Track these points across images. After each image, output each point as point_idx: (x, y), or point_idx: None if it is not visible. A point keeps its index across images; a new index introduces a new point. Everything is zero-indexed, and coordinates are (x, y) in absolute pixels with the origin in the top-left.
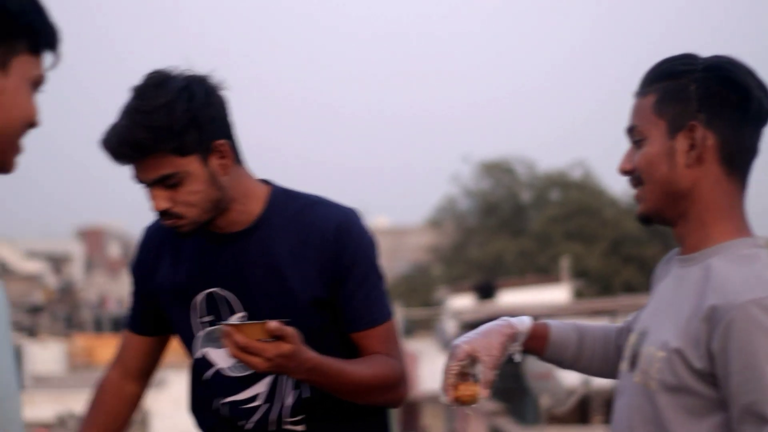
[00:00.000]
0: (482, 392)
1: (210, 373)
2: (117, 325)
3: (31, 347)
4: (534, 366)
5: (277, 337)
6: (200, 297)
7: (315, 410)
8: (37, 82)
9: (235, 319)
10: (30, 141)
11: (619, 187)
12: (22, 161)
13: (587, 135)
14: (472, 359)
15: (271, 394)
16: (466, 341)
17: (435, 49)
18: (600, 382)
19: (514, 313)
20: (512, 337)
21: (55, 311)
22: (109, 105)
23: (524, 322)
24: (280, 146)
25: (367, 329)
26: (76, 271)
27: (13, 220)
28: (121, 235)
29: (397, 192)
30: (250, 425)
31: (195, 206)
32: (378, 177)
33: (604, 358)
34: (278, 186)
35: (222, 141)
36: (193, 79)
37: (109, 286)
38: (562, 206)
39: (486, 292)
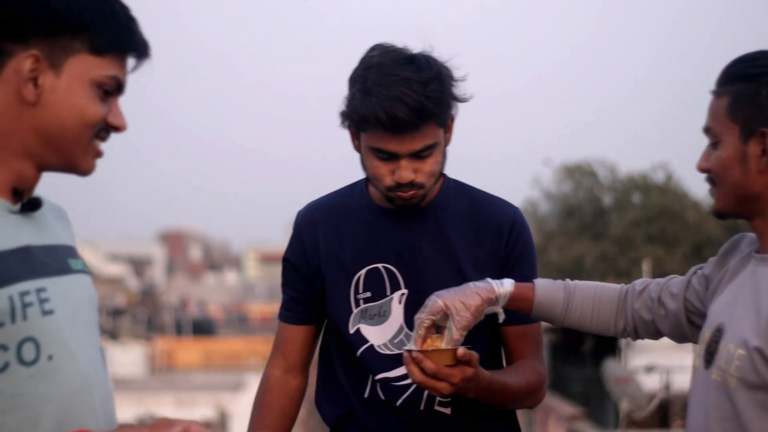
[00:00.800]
0: (445, 348)
1: (363, 348)
2: (197, 328)
3: (112, 350)
4: (614, 370)
5: (459, 360)
6: (363, 272)
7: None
8: (101, 84)
9: (396, 297)
10: (114, 146)
11: (702, 191)
12: (106, 165)
13: (669, 137)
14: (445, 315)
15: None
16: (443, 296)
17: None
18: (680, 387)
19: None
20: (490, 301)
21: (137, 314)
22: (181, 110)
23: (505, 285)
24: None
25: (525, 324)
26: (157, 273)
27: (96, 224)
28: (202, 238)
29: None
30: (400, 403)
31: (433, 176)
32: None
33: (595, 315)
34: (451, 177)
35: (452, 116)
36: (429, 55)
37: (190, 288)
38: (644, 209)
39: None
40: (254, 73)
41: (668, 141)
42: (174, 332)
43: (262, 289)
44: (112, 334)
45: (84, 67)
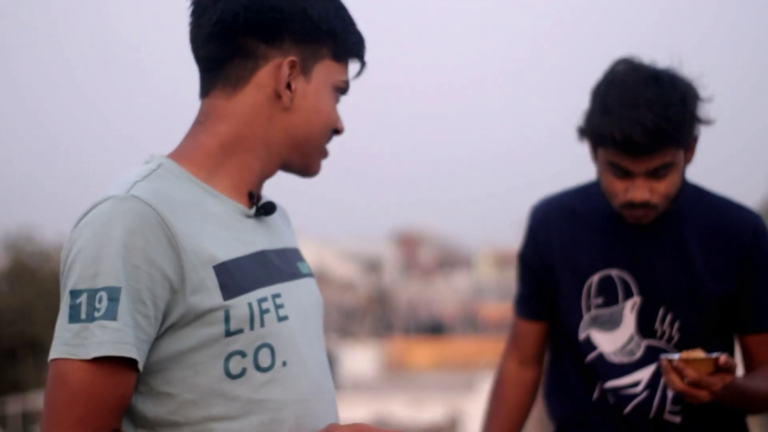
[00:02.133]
0: (707, 357)
1: (593, 356)
2: (430, 329)
3: (345, 350)
4: None
5: (719, 368)
6: (596, 277)
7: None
8: (340, 89)
9: (629, 305)
10: (348, 145)
11: None
12: (342, 165)
13: None
14: None
15: (654, 382)
16: None
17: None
18: None
19: None
20: None
21: (369, 314)
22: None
23: None
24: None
25: (765, 331)
26: (390, 274)
27: (331, 223)
28: (435, 238)
29: None
30: (629, 410)
31: (668, 198)
32: None
33: None
34: (689, 181)
35: (695, 137)
36: (675, 74)
37: (422, 290)
38: None
39: None
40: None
41: None
42: (406, 332)
43: (494, 290)
44: (345, 333)
45: (327, 72)
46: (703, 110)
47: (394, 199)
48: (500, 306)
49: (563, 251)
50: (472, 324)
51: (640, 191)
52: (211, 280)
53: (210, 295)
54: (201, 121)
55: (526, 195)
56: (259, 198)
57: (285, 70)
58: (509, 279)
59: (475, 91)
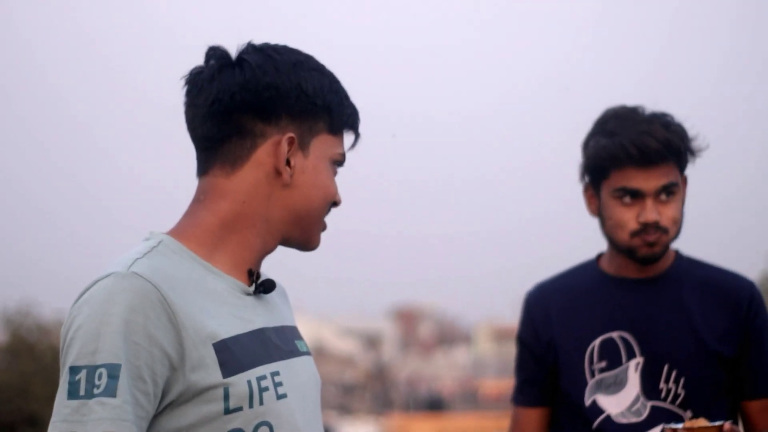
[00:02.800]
0: (711, 425)
1: (600, 420)
2: (429, 404)
3: (346, 425)
4: None
5: None
6: (598, 341)
7: None
8: (337, 162)
9: (632, 365)
10: (344, 221)
11: None
12: (339, 241)
13: None
14: None
15: None
16: None
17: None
18: None
19: None
20: None
21: (369, 390)
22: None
23: None
24: None
25: (766, 397)
26: (388, 349)
27: (330, 299)
28: (434, 314)
29: None
30: None
31: (676, 224)
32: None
33: None
34: (683, 253)
35: (685, 177)
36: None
37: (421, 364)
38: None
39: None
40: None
41: None
42: (406, 408)
43: (494, 365)
44: (345, 409)
45: (324, 147)
46: (694, 142)
47: (393, 276)
48: (500, 382)
49: (562, 323)
50: (472, 400)
51: (651, 212)
52: (211, 358)
53: (209, 372)
54: (200, 199)
55: (524, 272)
56: (258, 275)
57: (284, 147)
58: (509, 354)
59: (474, 171)
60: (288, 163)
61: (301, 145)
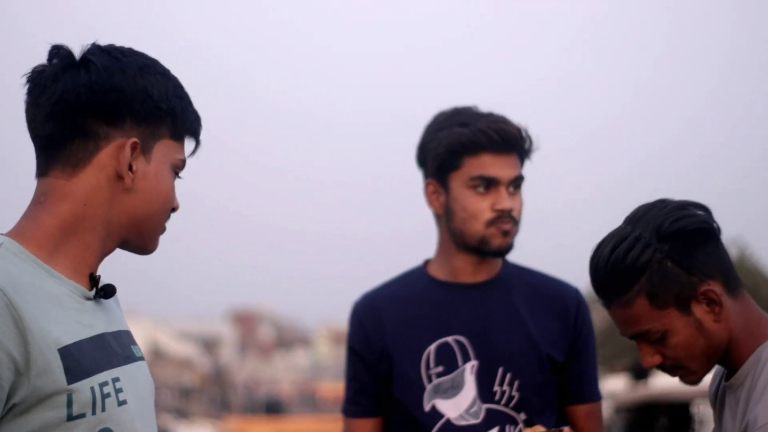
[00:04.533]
0: (549, 430)
1: (440, 425)
2: (268, 408)
3: (183, 430)
4: None
5: None
6: (433, 346)
7: None
8: (177, 168)
9: (468, 368)
10: (182, 225)
11: None
12: (177, 243)
13: (744, 209)
14: None
15: None
16: None
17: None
18: None
19: (666, 396)
20: None
21: (207, 393)
22: (249, 187)
23: None
24: None
25: (591, 402)
26: (227, 352)
27: (167, 302)
28: (273, 316)
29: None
30: None
31: (520, 218)
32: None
33: None
34: (509, 260)
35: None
36: None
37: (261, 367)
38: None
39: (639, 373)
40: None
41: (742, 213)
42: (245, 412)
43: (333, 368)
44: (182, 413)
45: (166, 152)
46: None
47: (230, 278)
48: (338, 384)
49: (396, 331)
50: (311, 403)
51: (507, 200)
52: (56, 363)
53: (54, 378)
54: (40, 201)
55: (363, 276)
56: (98, 280)
57: (127, 151)
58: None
59: (317, 170)
60: (130, 167)
61: (144, 149)
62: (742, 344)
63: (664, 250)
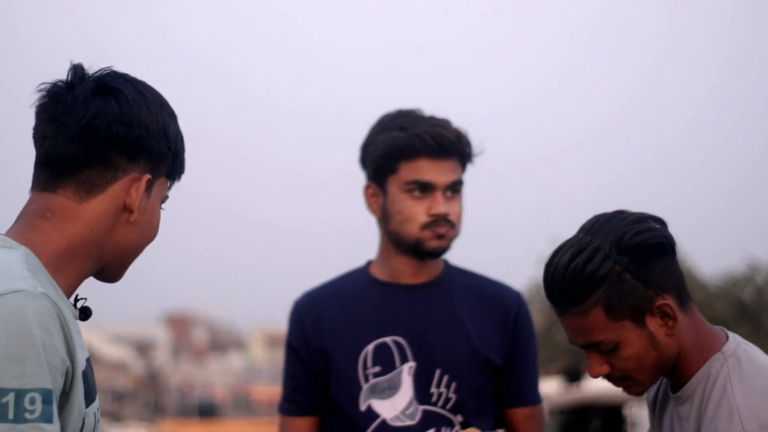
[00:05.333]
0: None
1: (375, 425)
2: (202, 411)
3: None
4: None
5: None
6: (371, 346)
7: None
8: (163, 202)
9: (405, 369)
10: None
11: (709, 270)
12: None
13: (675, 211)
14: None
15: None
16: None
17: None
18: None
19: (599, 398)
20: None
21: (141, 397)
22: (183, 188)
23: None
24: None
25: (531, 405)
26: (161, 356)
27: (99, 305)
28: (207, 319)
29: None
30: None
31: (460, 222)
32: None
33: None
34: (451, 263)
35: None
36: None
37: (195, 371)
38: None
39: (573, 376)
40: (259, 150)
41: (675, 216)
42: (178, 415)
43: (267, 371)
44: (115, 417)
45: (161, 189)
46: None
47: (164, 281)
48: (272, 388)
49: (335, 330)
50: (245, 406)
51: (442, 205)
52: (80, 385)
53: (80, 400)
54: (46, 216)
55: (298, 279)
56: (77, 300)
57: (142, 187)
58: (281, 361)
59: (253, 176)
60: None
61: (149, 186)
62: (691, 358)
63: (624, 263)
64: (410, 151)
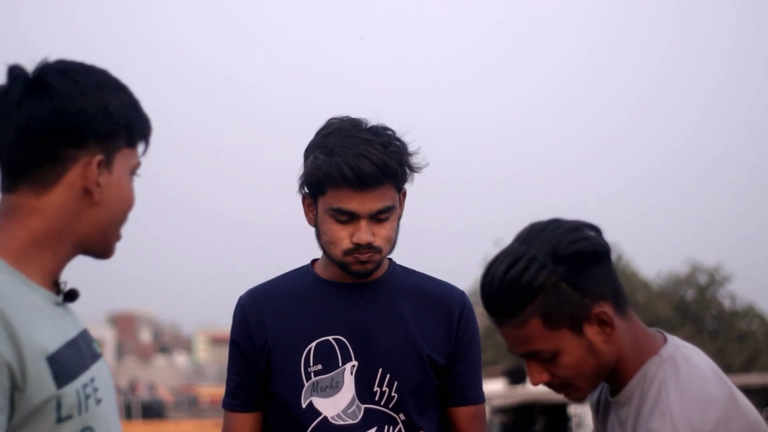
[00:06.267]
0: None
1: (317, 422)
2: (147, 411)
3: None
4: None
5: None
6: (313, 345)
7: None
8: (134, 170)
9: (348, 368)
10: None
11: (651, 271)
12: None
13: (619, 217)
14: None
15: None
16: None
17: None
18: None
19: (544, 398)
20: None
21: None
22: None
23: None
24: None
25: (474, 404)
26: (106, 356)
27: None
28: (153, 320)
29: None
30: None
31: (389, 243)
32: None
33: None
34: (395, 262)
35: (405, 190)
36: (383, 125)
37: (140, 371)
38: None
39: (517, 377)
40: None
41: (618, 221)
42: (123, 416)
43: (212, 372)
44: None
45: (125, 160)
46: (414, 160)
47: (110, 282)
48: (218, 388)
49: (278, 327)
50: (191, 406)
51: (365, 233)
52: (46, 372)
53: (45, 386)
54: (9, 215)
55: (242, 279)
56: (60, 285)
57: (94, 170)
58: (226, 361)
59: (192, 175)
60: (97, 183)
61: (107, 163)
62: (629, 362)
63: (560, 272)
64: (332, 181)
